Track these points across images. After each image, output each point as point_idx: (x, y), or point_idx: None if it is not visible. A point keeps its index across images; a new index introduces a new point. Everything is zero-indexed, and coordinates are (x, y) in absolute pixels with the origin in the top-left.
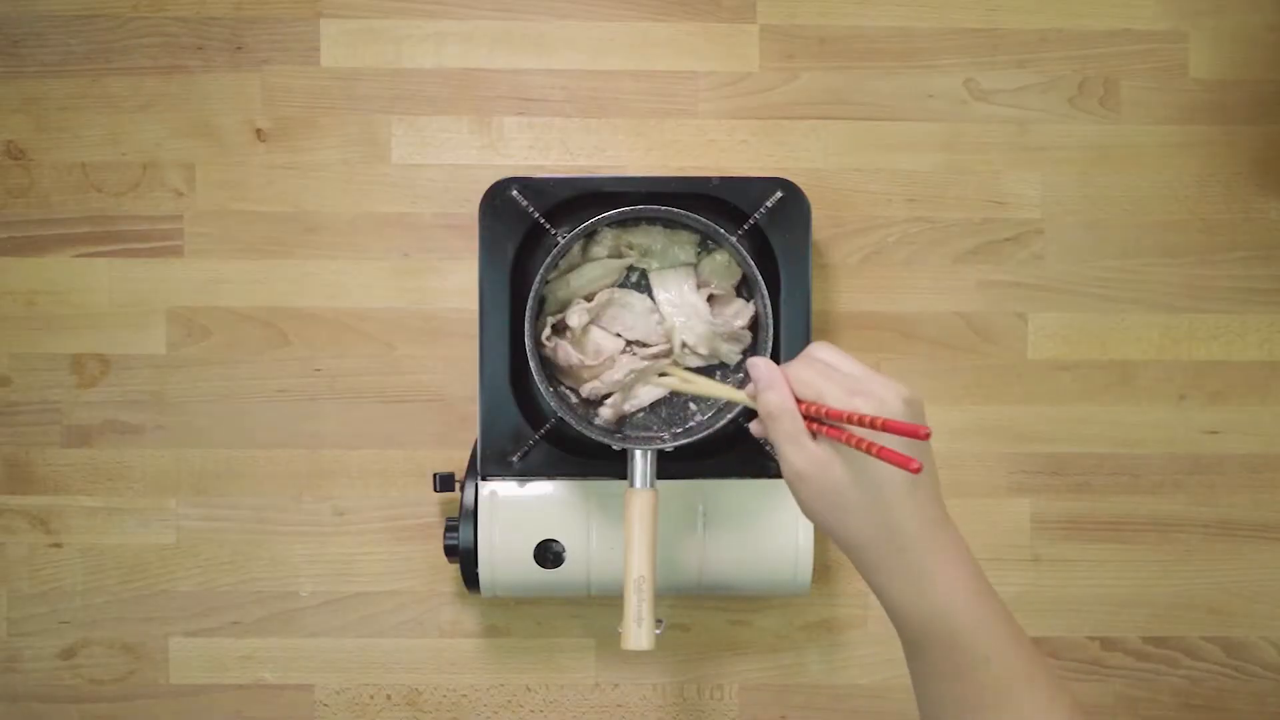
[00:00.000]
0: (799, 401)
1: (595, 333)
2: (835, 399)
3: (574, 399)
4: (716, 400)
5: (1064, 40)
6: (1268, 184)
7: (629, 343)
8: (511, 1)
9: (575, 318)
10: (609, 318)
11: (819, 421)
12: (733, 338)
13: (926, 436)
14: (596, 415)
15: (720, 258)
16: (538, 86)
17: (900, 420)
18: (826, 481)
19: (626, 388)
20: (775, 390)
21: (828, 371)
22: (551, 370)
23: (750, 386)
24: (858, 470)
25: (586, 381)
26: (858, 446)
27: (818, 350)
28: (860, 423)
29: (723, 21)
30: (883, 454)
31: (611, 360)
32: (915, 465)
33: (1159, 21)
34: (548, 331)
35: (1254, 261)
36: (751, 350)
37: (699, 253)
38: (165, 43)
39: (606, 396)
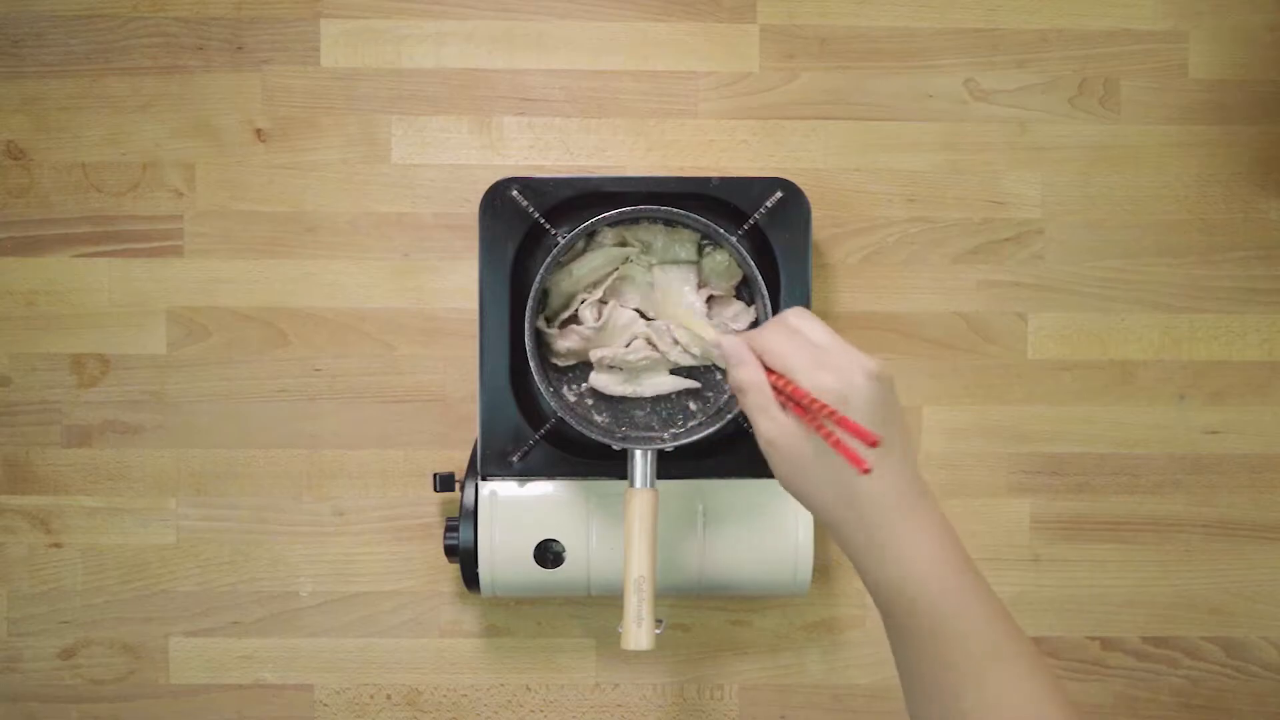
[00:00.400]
0: (769, 371)
1: (609, 308)
2: (802, 373)
3: (572, 397)
4: (709, 365)
5: (1064, 40)
6: (1268, 184)
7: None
8: (511, 1)
9: (587, 311)
10: (611, 290)
11: (787, 396)
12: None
13: (874, 444)
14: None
15: (720, 258)
16: (538, 86)
17: (856, 417)
18: (794, 452)
19: (635, 372)
20: (744, 366)
21: (797, 341)
22: (555, 355)
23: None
24: (821, 445)
25: (594, 349)
26: (819, 433)
27: (791, 316)
28: (821, 410)
29: (723, 21)
30: (838, 448)
31: (628, 330)
32: (865, 466)
33: (1159, 21)
34: (565, 315)
35: (1254, 261)
36: None
37: (701, 250)
38: (165, 43)
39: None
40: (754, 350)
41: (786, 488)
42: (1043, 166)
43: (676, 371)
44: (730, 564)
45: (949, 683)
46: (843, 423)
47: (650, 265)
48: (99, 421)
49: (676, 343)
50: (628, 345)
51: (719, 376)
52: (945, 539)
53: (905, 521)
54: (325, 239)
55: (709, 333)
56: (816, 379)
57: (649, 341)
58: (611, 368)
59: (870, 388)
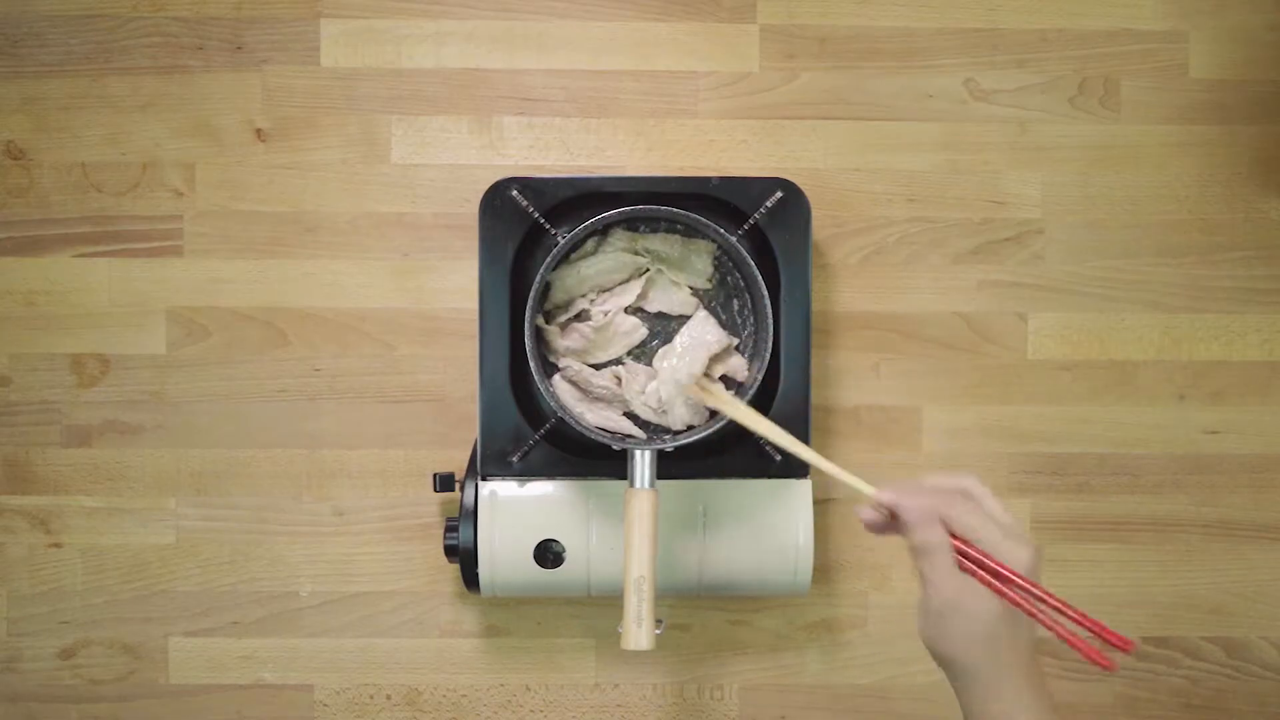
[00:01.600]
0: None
1: (613, 313)
2: (998, 547)
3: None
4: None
5: (1064, 40)
6: (1268, 184)
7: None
8: (511, 1)
9: (597, 309)
10: (639, 295)
11: (983, 567)
12: (694, 408)
13: (1129, 650)
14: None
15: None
16: (538, 86)
17: (1101, 627)
18: (979, 612)
19: (666, 405)
20: (931, 530)
21: (982, 515)
22: (552, 354)
23: (883, 494)
24: (1010, 609)
25: (593, 353)
26: (1051, 630)
27: (972, 486)
28: (1046, 600)
29: (723, 21)
30: (1088, 653)
31: (628, 339)
32: (1113, 666)
33: (1159, 21)
34: (566, 317)
35: (1254, 261)
36: (752, 354)
37: (717, 264)
38: (165, 43)
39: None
40: (939, 514)
41: (932, 636)
42: (1043, 166)
43: (629, 416)
44: (730, 564)
45: None
46: (1090, 624)
47: (671, 283)
48: (99, 421)
49: (642, 393)
50: (599, 369)
51: (666, 438)
52: (1045, 689)
53: (1030, 671)
54: (325, 239)
55: (867, 488)
56: (1014, 554)
57: (617, 378)
58: (572, 381)
59: (1039, 562)
